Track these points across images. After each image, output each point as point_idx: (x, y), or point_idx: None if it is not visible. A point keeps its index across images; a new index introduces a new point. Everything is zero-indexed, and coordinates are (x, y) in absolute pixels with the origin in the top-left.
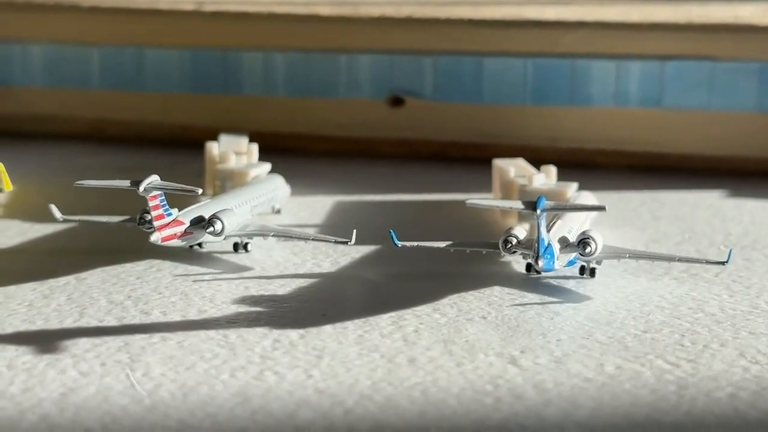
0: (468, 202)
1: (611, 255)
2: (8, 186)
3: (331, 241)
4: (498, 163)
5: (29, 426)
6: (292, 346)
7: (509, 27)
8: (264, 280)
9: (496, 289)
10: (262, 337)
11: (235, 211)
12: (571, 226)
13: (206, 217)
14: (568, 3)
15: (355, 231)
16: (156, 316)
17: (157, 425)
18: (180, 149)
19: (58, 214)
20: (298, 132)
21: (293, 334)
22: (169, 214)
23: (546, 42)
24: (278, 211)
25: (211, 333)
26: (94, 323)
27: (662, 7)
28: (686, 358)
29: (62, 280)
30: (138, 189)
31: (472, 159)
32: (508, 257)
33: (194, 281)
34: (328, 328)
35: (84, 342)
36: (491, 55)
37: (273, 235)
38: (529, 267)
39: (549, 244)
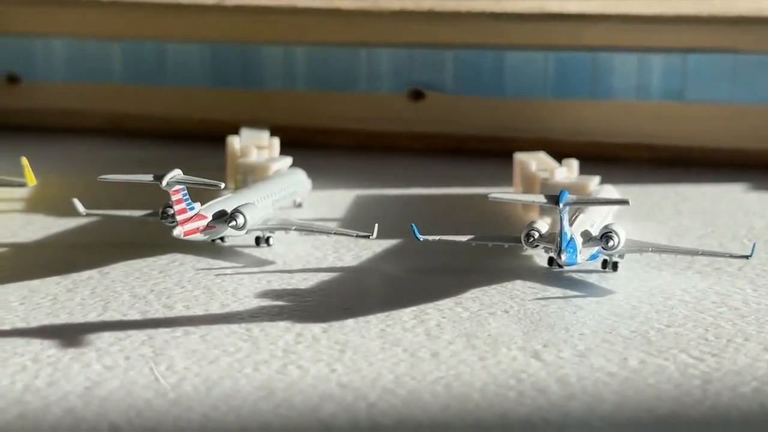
0: (490, 195)
1: (634, 249)
2: (31, 180)
3: (352, 235)
4: (519, 156)
5: (54, 419)
6: (315, 340)
7: (530, 20)
8: (286, 274)
9: (519, 283)
10: (284, 331)
11: (257, 205)
12: (593, 219)
13: (228, 211)
14: None
15: (376, 225)
16: (179, 310)
17: (181, 419)
18: (201, 143)
19: (81, 208)
20: (318, 126)
21: (316, 328)
22: (192, 208)
23: (568, 35)
24: (299, 205)
25: (234, 327)
26: (117, 317)
27: None
28: (710, 353)
29: (86, 274)
30: (161, 183)
31: (493, 153)
32: (530, 251)
33: (217, 275)
34: (350, 322)
35: (108, 336)
36: (512, 48)
37: (295, 229)
38: (551, 261)
39: (571, 237)
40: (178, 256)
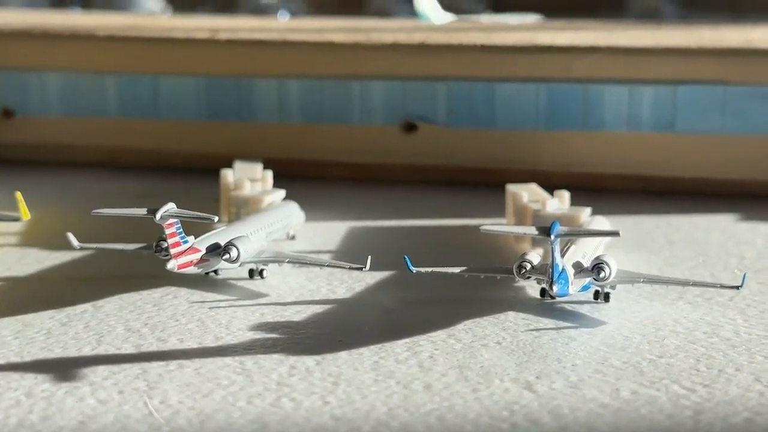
0: (482, 228)
1: (625, 280)
2: (26, 214)
3: (345, 267)
4: (511, 188)
5: None
6: (309, 372)
7: (521, 53)
8: (279, 306)
9: (511, 315)
10: (278, 363)
11: (251, 238)
12: (585, 250)
13: (222, 244)
14: (580, 28)
15: (369, 257)
16: (173, 344)
17: None
18: (195, 176)
19: (75, 242)
20: (312, 158)
21: (309, 360)
22: (185, 242)
23: (558, 67)
24: (293, 238)
25: (228, 360)
26: (111, 351)
27: (674, 31)
28: (702, 383)
29: (80, 308)
30: (154, 217)
31: (485, 184)
32: (522, 282)
33: (210, 308)
34: (343, 355)
35: (102, 370)
36: (504, 80)
37: (288, 262)
38: (543, 292)
39: (563, 269)
40: (172, 290)
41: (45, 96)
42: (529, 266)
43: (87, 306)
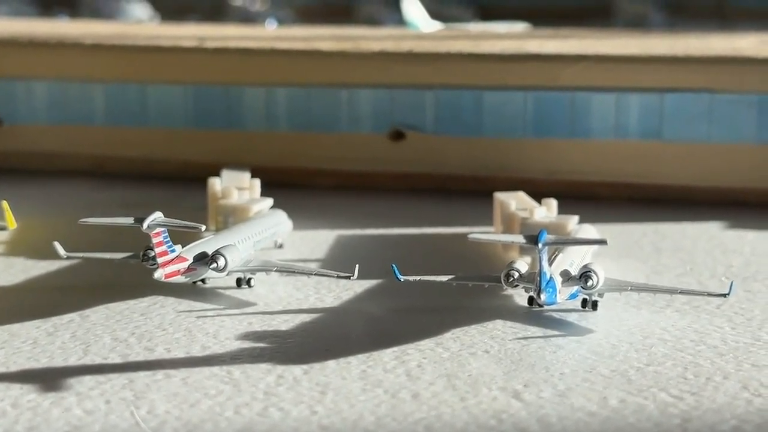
0: (470, 236)
1: (613, 288)
2: (12, 224)
3: (333, 276)
4: (499, 196)
5: None
6: (296, 381)
7: (509, 61)
8: (267, 315)
9: (499, 323)
10: (266, 373)
11: (238, 247)
12: (572, 259)
13: (209, 253)
14: (568, 37)
15: (357, 265)
16: (160, 353)
17: None
18: (183, 184)
19: (61, 251)
20: (299, 167)
21: (297, 369)
22: (173, 251)
23: (546, 75)
24: (281, 246)
25: (215, 369)
26: (98, 360)
27: (661, 39)
28: (689, 391)
29: (66, 318)
30: (141, 226)
31: (472, 192)
32: (510, 291)
33: (198, 317)
34: (331, 364)
35: (88, 380)
36: (491, 88)
37: (276, 270)
38: (531, 300)
39: (551, 277)
40: (159, 299)
41: (32, 104)
42: (516, 275)
43: (73, 315)
